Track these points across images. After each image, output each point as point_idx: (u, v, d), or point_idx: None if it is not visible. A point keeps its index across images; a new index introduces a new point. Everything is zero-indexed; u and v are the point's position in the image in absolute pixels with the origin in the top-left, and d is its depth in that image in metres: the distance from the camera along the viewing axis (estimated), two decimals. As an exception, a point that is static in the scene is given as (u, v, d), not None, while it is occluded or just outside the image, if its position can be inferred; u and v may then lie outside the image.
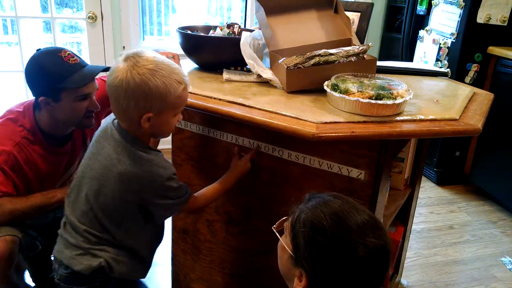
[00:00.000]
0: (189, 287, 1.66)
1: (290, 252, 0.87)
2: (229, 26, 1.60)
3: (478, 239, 2.46)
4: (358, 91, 1.10)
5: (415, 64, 2.62)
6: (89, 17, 2.90)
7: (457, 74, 2.78)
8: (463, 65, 2.78)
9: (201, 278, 1.61)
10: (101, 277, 1.16)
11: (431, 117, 1.11)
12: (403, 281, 2.01)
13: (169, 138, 1.46)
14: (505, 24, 2.70)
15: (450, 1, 2.78)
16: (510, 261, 2.25)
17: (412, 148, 1.60)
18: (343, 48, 1.28)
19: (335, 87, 1.14)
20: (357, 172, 1.14)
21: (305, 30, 1.42)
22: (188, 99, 1.21)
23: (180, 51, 1.49)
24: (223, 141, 1.35)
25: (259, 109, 1.13)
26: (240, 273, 1.49)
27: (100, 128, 1.19)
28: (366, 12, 1.55)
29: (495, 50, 2.71)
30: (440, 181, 3.08)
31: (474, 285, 2.07)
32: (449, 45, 2.83)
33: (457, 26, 2.75)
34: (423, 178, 3.03)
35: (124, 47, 3.04)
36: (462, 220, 2.66)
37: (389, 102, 1.07)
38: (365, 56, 1.29)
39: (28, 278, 1.78)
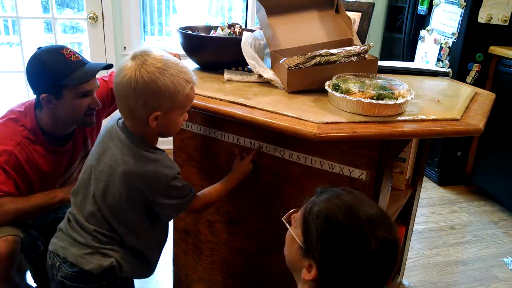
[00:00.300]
0: (190, 288, 1.66)
1: (300, 243, 0.88)
2: (230, 26, 1.60)
3: (479, 240, 2.46)
4: (359, 91, 1.10)
5: (416, 64, 2.62)
6: (90, 18, 2.90)
7: (458, 74, 2.77)
8: (464, 65, 2.78)
9: (202, 278, 1.61)
10: (108, 276, 1.16)
11: (432, 117, 1.11)
12: (405, 281, 2.01)
13: (170, 138, 1.47)
14: (507, 24, 2.69)
15: (451, 1, 2.78)
16: (511, 261, 2.25)
17: (413, 148, 1.60)
18: (344, 48, 1.28)
19: (336, 87, 1.14)
20: (358, 172, 1.14)
21: (306, 30, 1.42)
22: (189, 99, 1.22)
23: (181, 51, 1.49)
24: (224, 142, 1.35)
25: (260, 109, 1.13)
26: (241, 273, 1.49)
27: (104, 128, 1.19)
28: (367, 12, 1.55)
29: (496, 50, 2.70)
30: (442, 181, 3.08)
31: (475, 285, 2.07)
32: (450, 45, 2.83)
33: (458, 26, 2.74)
34: (425, 178, 3.02)
35: (125, 47, 3.04)
36: (464, 221, 2.65)
37: (391, 102, 1.07)
38: (366, 56, 1.29)
39: (29, 279, 1.78)
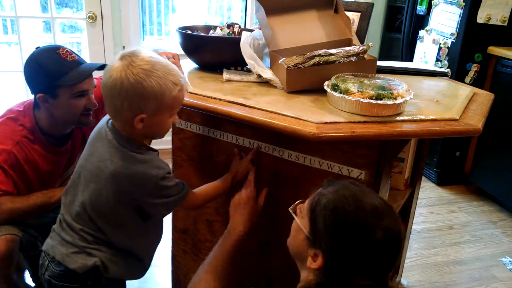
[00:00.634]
0: (189, 287, 1.66)
1: (306, 233, 0.91)
2: (229, 26, 1.60)
3: (478, 239, 2.46)
4: (358, 91, 1.10)
5: (415, 64, 2.62)
6: (89, 17, 2.90)
7: (457, 74, 2.78)
8: (463, 65, 2.78)
9: (201, 278, 1.61)
10: (93, 276, 1.15)
11: (431, 117, 1.11)
12: (403, 281, 2.01)
13: (169, 138, 1.47)
14: (505, 24, 2.70)
15: (450, 1, 2.78)
16: (510, 261, 2.25)
17: (412, 148, 1.60)
18: (343, 48, 1.28)
19: (335, 87, 1.14)
20: (357, 172, 1.14)
21: (305, 30, 1.42)
22: (188, 99, 1.21)
23: (180, 51, 1.49)
24: (223, 141, 1.35)
25: (260, 109, 1.13)
26: (240, 273, 1.49)
27: (95, 129, 1.18)
28: (366, 12, 1.55)
29: (495, 50, 2.71)
30: (440, 181, 3.08)
31: (474, 285, 2.07)
32: (449, 45, 2.83)
33: (457, 26, 2.75)
34: (423, 178, 3.03)
35: (124, 47, 3.04)
36: (462, 220, 2.66)
37: (390, 102, 1.07)
38: (365, 56, 1.29)
39: (28, 278, 1.78)
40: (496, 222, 2.66)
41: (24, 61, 1.44)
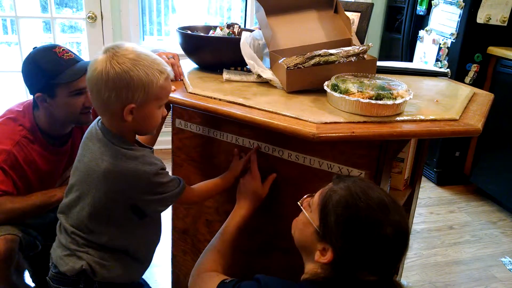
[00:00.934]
0: None
1: (316, 227, 0.93)
2: (229, 26, 1.60)
3: (478, 240, 2.46)
4: (358, 91, 1.10)
5: (415, 64, 2.62)
6: (89, 17, 2.90)
7: (457, 74, 2.78)
8: (463, 65, 2.78)
9: (201, 278, 1.61)
10: (85, 279, 1.14)
11: (431, 117, 1.11)
12: (403, 281, 2.01)
13: (169, 138, 1.47)
14: (505, 24, 2.70)
15: (450, 1, 2.78)
16: (510, 261, 2.26)
17: (412, 148, 1.60)
18: (343, 48, 1.28)
19: (335, 87, 1.14)
20: (357, 172, 1.14)
21: (305, 30, 1.42)
22: (188, 99, 1.21)
23: (180, 51, 1.49)
24: (223, 141, 1.35)
25: (259, 109, 1.13)
26: (240, 273, 1.49)
27: (87, 130, 1.17)
28: (366, 12, 1.55)
29: (495, 50, 2.71)
30: (440, 182, 3.09)
31: (474, 285, 2.07)
32: (449, 45, 2.83)
33: (457, 26, 2.75)
34: (423, 179, 3.03)
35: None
36: (462, 221, 2.66)
37: (389, 102, 1.07)
38: (365, 56, 1.29)
39: (28, 279, 1.78)
40: (496, 222, 2.66)
41: (23, 61, 1.44)
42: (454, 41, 2.78)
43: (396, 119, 1.08)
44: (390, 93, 1.09)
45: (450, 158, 3.02)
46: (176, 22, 4.37)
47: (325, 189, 0.97)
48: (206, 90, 1.27)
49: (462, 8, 2.70)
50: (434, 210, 2.76)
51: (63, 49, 1.43)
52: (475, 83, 2.76)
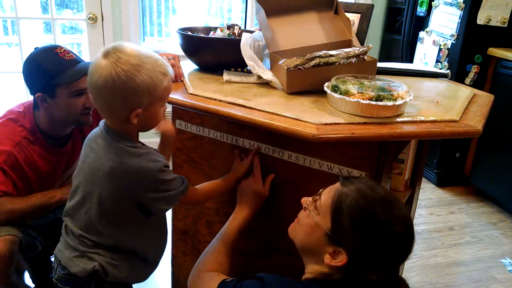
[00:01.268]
0: (189, 288, 1.66)
1: (327, 231, 0.93)
2: (229, 27, 1.60)
3: (478, 241, 2.46)
4: (358, 92, 1.10)
5: (415, 65, 2.62)
6: (89, 18, 2.90)
7: (457, 75, 2.78)
8: (463, 67, 2.78)
9: (201, 279, 1.60)
10: (96, 280, 1.15)
11: (431, 118, 1.11)
12: (403, 282, 2.01)
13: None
14: (505, 25, 2.70)
15: (450, 3, 2.79)
16: (510, 262, 2.25)
17: (412, 150, 1.60)
18: (343, 49, 1.28)
19: (335, 88, 1.14)
20: (357, 173, 1.14)
21: (306, 31, 1.42)
22: (189, 101, 1.21)
23: (181, 52, 1.49)
24: (224, 143, 1.35)
25: (260, 110, 1.13)
26: (240, 274, 1.49)
27: (91, 132, 1.18)
28: (366, 14, 1.55)
29: (495, 51, 2.71)
30: (440, 183, 3.08)
31: (474, 286, 2.07)
32: (449, 47, 2.83)
33: (457, 28, 2.75)
34: (423, 180, 3.03)
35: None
36: (462, 222, 2.66)
37: (389, 103, 1.07)
38: (365, 57, 1.29)
39: (27, 279, 1.78)
40: (496, 223, 2.66)
41: (24, 62, 1.44)
42: (454, 42, 2.78)
43: (396, 120, 1.08)
44: (390, 94, 1.09)
45: (450, 159, 3.02)
46: (177, 23, 4.38)
47: (334, 191, 0.96)
48: (207, 91, 1.27)
49: (462, 9, 2.70)
50: (434, 211, 2.76)
51: (64, 50, 1.43)
52: (475, 84, 2.76)
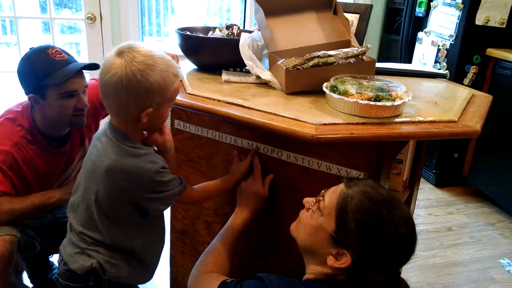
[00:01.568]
0: (188, 288, 1.66)
1: (331, 232, 0.93)
2: (228, 27, 1.60)
3: (476, 241, 2.46)
4: (357, 93, 1.10)
5: (414, 65, 2.62)
6: (88, 18, 2.90)
7: (456, 76, 2.78)
8: (462, 67, 2.79)
9: (199, 279, 1.60)
10: (94, 277, 1.16)
11: (430, 119, 1.11)
12: (402, 282, 2.01)
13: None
14: (504, 26, 2.70)
15: (449, 3, 2.79)
16: (508, 263, 2.26)
17: (410, 150, 1.60)
18: (342, 49, 1.28)
19: (334, 89, 1.14)
20: (356, 173, 1.14)
21: (304, 31, 1.42)
22: (187, 100, 1.22)
23: (179, 52, 1.49)
24: (222, 143, 1.35)
25: (258, 110, 1.13)
26: (239, 274, 1.49)
27: (98, 129, 1.19)
28: (365, 14, 1.55)
29: (493, 52, 2.71)
30: (439, 183, 3.09)
31: (472, 287, 2.07)
32: (447, 47, 2.84)
33: (455, 28, 2.75)
34: (422, 180, 3.03)
35: (123, 48, 3.03)
36: (461, 222, 2.66)
37: (388, 103, 1.07)
38: (364, 57, 1.29)
39: (26, 279, 1.78)
40: (495, 223, 2.67)
41: (21, 62, 1.44)
42: (453, 42, 2.79)
43: (394, 120, 1.08)
44: (389, 94, 1.09)
45: (449, 160, 3.02)
46: (175, 23, 4.38)
47: (338, 193, 0.96)
48: (205, 91, 1.27)
49: (461, 10, 2.70)
50: (432, 212, 2.76)
51: (56, 50, 1.41)
52: (473, 84, 2.77)
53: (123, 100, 1.02)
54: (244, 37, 1.40)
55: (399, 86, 1.17)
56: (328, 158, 1.17)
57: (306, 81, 1.26)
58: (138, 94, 1.01)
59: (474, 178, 2.95)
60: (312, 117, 1.07)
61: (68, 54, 1.45)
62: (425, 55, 3.04)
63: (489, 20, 2.68)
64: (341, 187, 0.98)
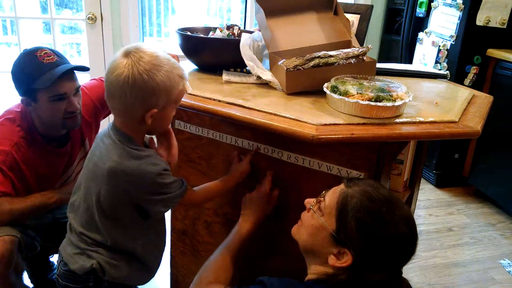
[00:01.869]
0: (188, 289, 1.65)
1: (332, 232, 0.94)
2: (229, 27, 1.60)
3: (477, 242, 2.46)
4: (357, 93, 1.10)
5: (414, 66, 2.62)
6: (88, 18, 2.90)
7: (456, 76, 2.78)
8: (462, 68, 2.79)
9: (199, 279, 1.60)
10: (94, 278, 1.15)
11: (430, 119, 1.11)
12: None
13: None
14: (504, 26, 2.70)
15: (450, 4, 2.79)
16: (509, 263, 2.25)
17: (411, 150, 1.60)
18: (343, 50, 1.28)
19: (334, 89, 1.14)
20: (356, 174, 1.14)
21: (305, 32, 1.42)
22: (188, 101, 1.22)
23: (180, 53, 1.49)
24: (222, 143, 1.35)
25: (259, 110, 1.13)
26: (239, 275, 1.49)
27: (101, 129, 1.19)
28: (365, 14, 1.55)
29: (494, 52, 2.71)
30: (439, 183, 3.09)
31: (473, 287, 2.07)
32: (448, 48, 2.83)
33: (456, 29, 2.75)
34: (422, 180, 3.03)
35: (123, 48, 3.04)
36: (461, 223, 2.66)
37: (389, 104, 1.07)
38: (364, 58, 1.29)
39: (26, 279, 1.78)
40: (495, 224, 2.66)
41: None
42: (453, 43, 2.78)
43: (395, 121, 1.08)
44: (389, 95, 1.09)
45: (449, 160, 3.02)
46: (176, 23, 4.38)
47: (338, 192, 0.97)
48: (206, 91, 1.27)
49: (461, 10, 2.70)
50: (433, 212, 2.76)
51: (45, 52, 1.39)
52: (474, 85, 2.76)
53: (129, 100, 1.02)
54: (244, 37, 1.40)
55: (399, 87, 1.17)
56: (329, 159, 1.16)
57: (307, 82, 1.26)
58: (144, 94, 1.02)
59: (475, 178, 2.95)
60: (313, 117, 1.07)
61: (59, 56, 1.42)
62: (425, 55, 3.04)
63: (489, 21, 2.67)
64: (341, 187, 0.99)
